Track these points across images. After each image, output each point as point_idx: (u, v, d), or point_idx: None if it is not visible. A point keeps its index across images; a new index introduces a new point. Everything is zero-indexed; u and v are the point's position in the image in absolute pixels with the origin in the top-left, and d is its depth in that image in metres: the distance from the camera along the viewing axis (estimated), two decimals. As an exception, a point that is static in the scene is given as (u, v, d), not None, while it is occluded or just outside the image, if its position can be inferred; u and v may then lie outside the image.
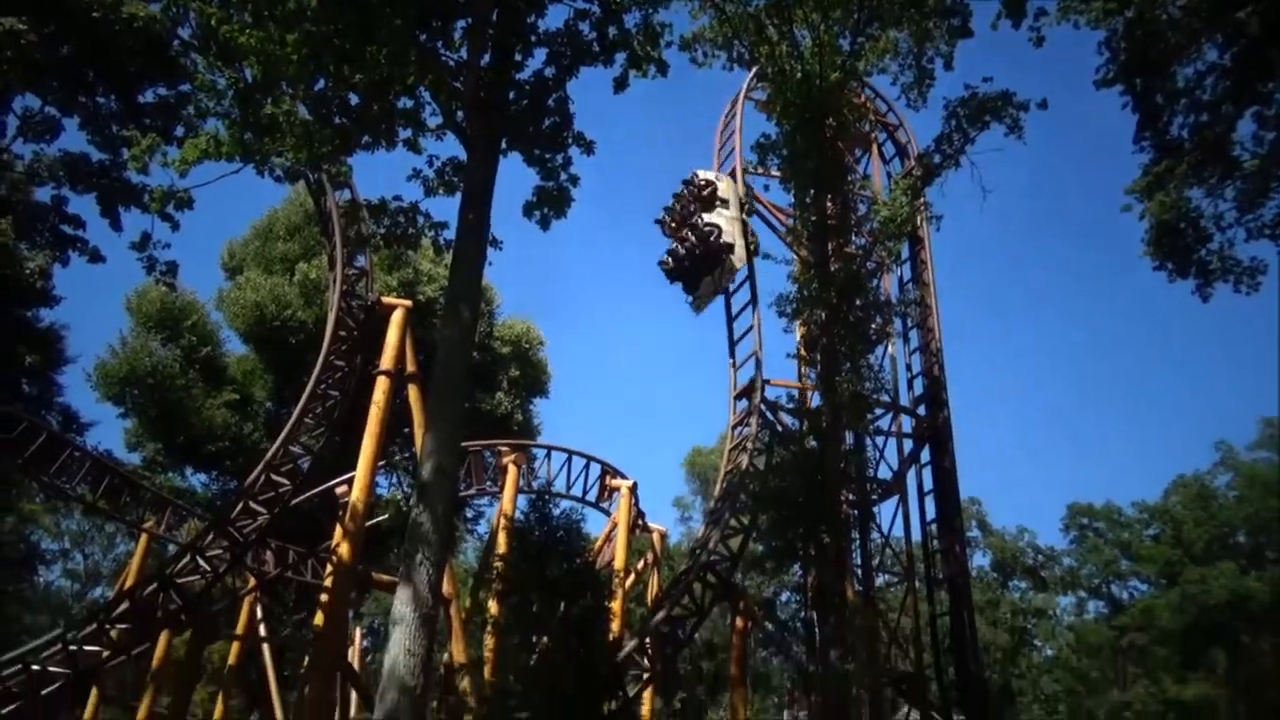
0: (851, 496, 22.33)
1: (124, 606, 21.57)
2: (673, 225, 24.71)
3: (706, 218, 23.86)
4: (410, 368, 24.04)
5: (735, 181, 25.15)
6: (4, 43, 13.90)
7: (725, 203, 24.40)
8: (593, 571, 18.68)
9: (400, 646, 9.65)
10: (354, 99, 13.17)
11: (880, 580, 25.45)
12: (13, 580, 32.89)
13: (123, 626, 21.38)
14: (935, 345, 26.61)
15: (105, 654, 21.15)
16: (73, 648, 20.46)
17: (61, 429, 29.54)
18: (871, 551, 23.99)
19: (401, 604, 9.97)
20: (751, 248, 23.69)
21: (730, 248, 23.71)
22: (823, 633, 20.12)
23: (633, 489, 29.38)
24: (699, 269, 24.44)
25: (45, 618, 38.71)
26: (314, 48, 11.69)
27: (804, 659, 21.16)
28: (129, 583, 25.68)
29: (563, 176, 13.69)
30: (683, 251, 24.17)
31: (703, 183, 24.55)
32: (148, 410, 32.83)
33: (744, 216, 24.13)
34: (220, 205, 41.47)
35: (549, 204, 13.72)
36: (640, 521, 30.46)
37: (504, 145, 13.19)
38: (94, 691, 27.24)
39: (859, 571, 22.45)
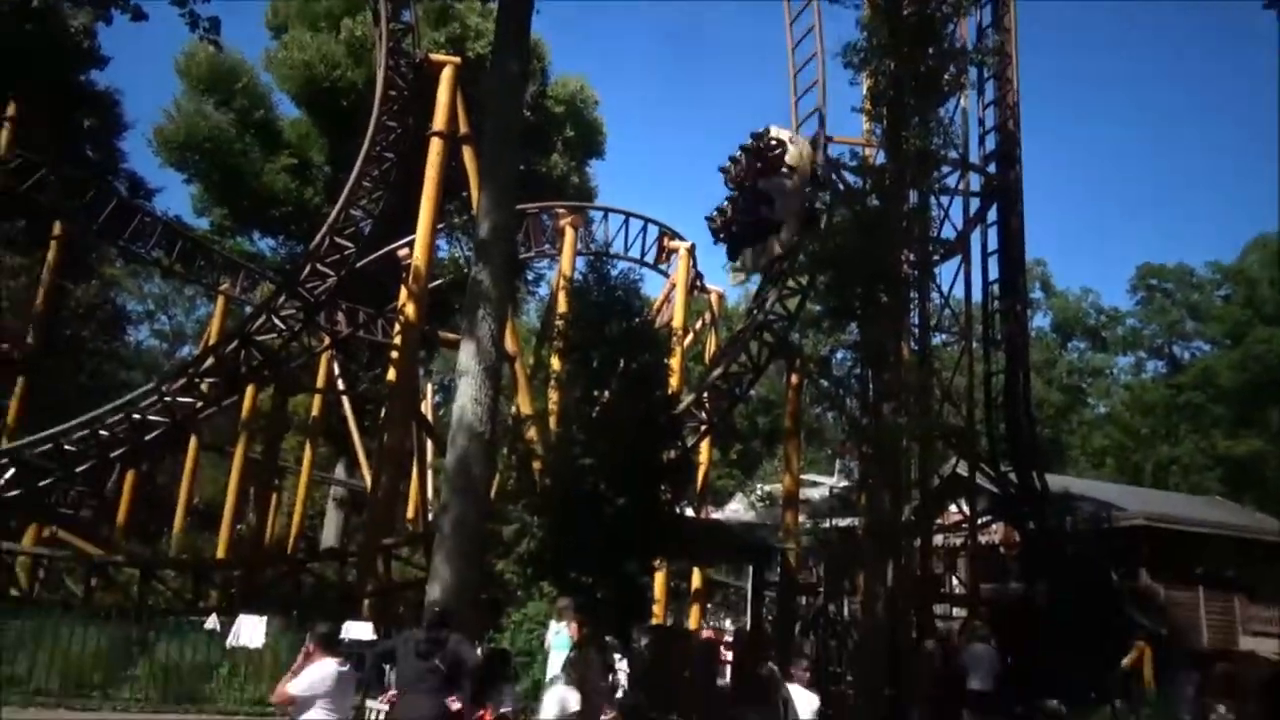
0: (912, 256, 22.02)
1: (210, 362, 22.87)
2: (735, 180, 23.00)
3: (763, 185, 22.06)
4: (464, 128, 23.62)
5: (812, 148, 22.55)
6: None
7: (791, 171, 22.06)
8: (651, 330, 19.11)
9: (467, 396, 10.14)
10: None
11: (937, 340, 25.65)
12: (105, 339, 35.00)
13: (211, 380, 22.80)
14: (1012, 98, 25.13)
15: (198, 405, 22.73)
16: (168, 399, 22.00)
17: (130, 195, 30.25)
18: (930, 312, 24.00)
19: (466, 357, 10.38)
20: (817, 217, 21.98)
21: (777, 228, 21.94)
22: (876, 389, 20.59)
23: (691, 250, 29.35)
24: (743, 238, 23.08)
25: (139, 374, 41.41)
26: None
27: (857, 413, 21.77)
28: (212, 341, 27.12)
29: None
30: (730, 214, 22.64)
31: (772, 142, 22.34)
32: (210, 175, 33.24)
33: (808, 190, 21.99)
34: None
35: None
36: (698, 283, 30.69)
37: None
38: (192, 439, 29.65)
39: (915, 331, 22.57)
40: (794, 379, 25.62)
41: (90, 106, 25.35)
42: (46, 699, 12.41)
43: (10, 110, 22.13)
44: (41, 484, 20.59)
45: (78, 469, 20.91)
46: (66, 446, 20.77)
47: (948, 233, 24.22)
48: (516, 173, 12.14)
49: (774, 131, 22.94)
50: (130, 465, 25.57)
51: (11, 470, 20.26)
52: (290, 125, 34.94)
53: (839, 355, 28.80)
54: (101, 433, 21.29)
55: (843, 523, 25.24)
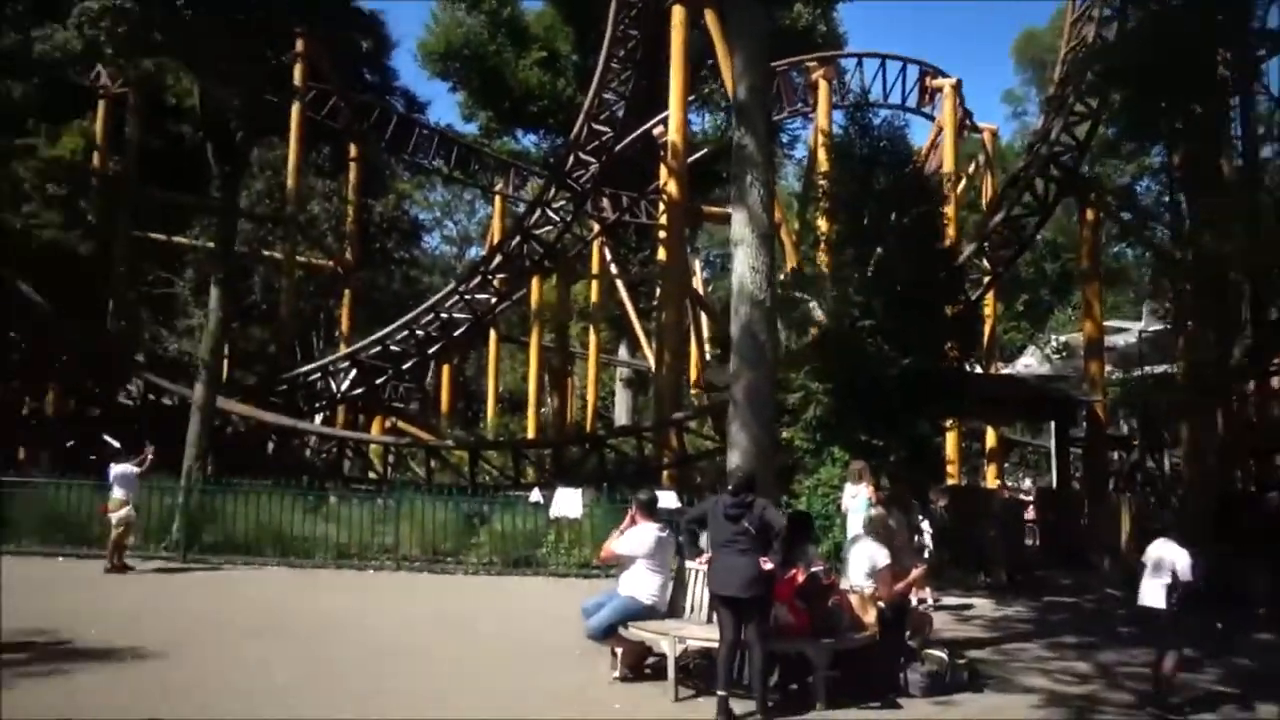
0: (1229, 55, 18.81)
1: (497, 259, 24.70)
2: None
3: None
4: (705, -9, 22.90)
5: None
6: None
7: None
8: (922, 179, 17.96)
9: (744, 265, 10.06)
10: None
11: (1267, 151, 22.06)
12: (407, 248, 38.69)
13: (500, 276, 24.68)
14: None
15: (493, 300, 24.73)
16: (467, 297, 24.13)
17: (407, 110, 32.65)
18: (1256, 119, 20.60)
19: (739, 226, 10.26)
20: None
21: None
22: (1192, 216, 18.16)
23: (956, 87, 27.08)
24: None
25: (438, 278, 45.48)
26: None
27: (1169, 246, 19.38)
28: (495, 240, 29.12)
29: None
30: None
31: None
32: (471, 80, 35.09)
33: None
34: None
35: None
36: (968, 122, 28.39)
37: None
38: (492, 333, 32.37)
39: (1239, 144, 19.48)
40: (1089, 215, 23.17)
41: (361, 31, 27.45)
42: (412, 564, 14.44)
43: (299, 46, 24.34)
44: (378, 381, 23.54)
45: (403, 366, 23.67)
46: (392, 347, 23.54)
47: (1275, 20, 20.40)
48: (766, 27, 11.56)
49: None
50: (444, 360, 28.44)
51: (353, 372, 23.30)
52: (536, 18, 35.85)
53: (1143, 183, 25.62)
54: (418, 333, 23.86)
55: (1157, 370, 22.96)
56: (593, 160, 24.00)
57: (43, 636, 8.26)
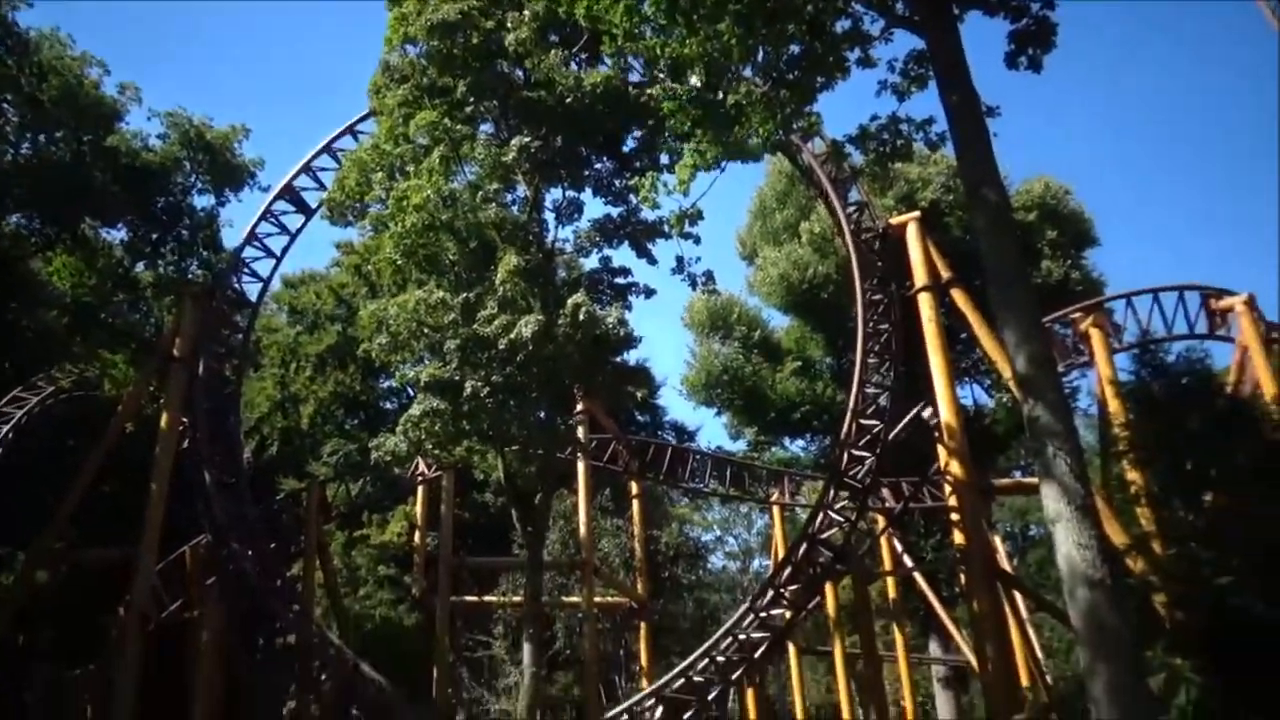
0: None
1: (787, 571, 24.14)
2: None
3: None
4: (945, 274, 23.38)
5: None
6: (531, 156, 16.91)
7: None
8: (1250, 405, 16.19)
9: (1068, 543, 9.21)
10: (794, 49, 13.22)
11: None
12: (694, 569, 39.15)
13: (793, 587, 23.94)
14: None
15: (788, 614, 23.85)
16: (763, 615, 23.44)
17: (678, 440, 34.52)
18: None
19: (1051, 501, 9.53)
20: None
21: None
22: None
23: (1250, 303, 24.91)
24: None
25: (725, 595, 45.10)
26: (746, 28, 11.98)
27: None
28: (778, 550, 28.75)
29: (1035, 8, 12.15)
30: None
31: None
32: (733, 402, 36.86)
33: None
34: (713, 200, 44.92)
35: (1031, 43, 12.27)
36: (1276, 335, 25.70)
37: (958, 11, 12.12)
38: (790, 646, 30.98)
39: None
40: None
41: (636, 384, 30.16)
42: None
43: (580, 407, 26.88)
44: (685, 716, 22.76)
45: (708, 696, 22.85)
46: (695, 678, 22.90)
47: None
48: (1035, 297, 11.43)
49: None
50: (745, 684, 27.26)
51: (659, 709, 22.74)
52: (785, 334, 37.84)
53: None
54: (718, 659, 23.21)
55: None
56: (867, 454, 23.74)
57: None
